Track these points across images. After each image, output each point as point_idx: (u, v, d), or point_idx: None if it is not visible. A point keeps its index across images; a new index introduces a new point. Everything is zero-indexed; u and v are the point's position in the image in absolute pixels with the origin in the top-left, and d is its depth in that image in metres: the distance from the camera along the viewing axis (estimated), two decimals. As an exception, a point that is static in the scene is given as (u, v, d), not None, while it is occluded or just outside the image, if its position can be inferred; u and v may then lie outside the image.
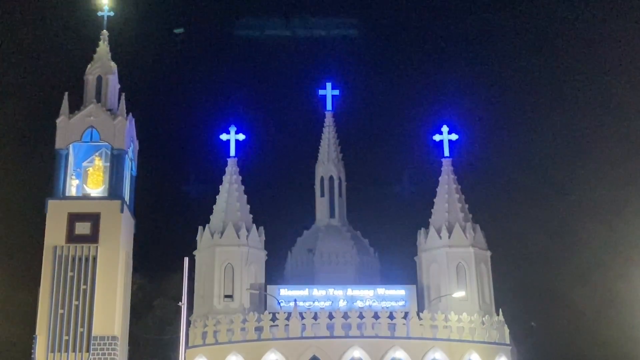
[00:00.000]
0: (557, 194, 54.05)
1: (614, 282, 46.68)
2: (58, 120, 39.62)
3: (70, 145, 39.86)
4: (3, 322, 39.52)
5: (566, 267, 48.68)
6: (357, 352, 36.41)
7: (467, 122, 48.46)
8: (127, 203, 39.00)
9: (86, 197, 38.35)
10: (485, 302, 40.86)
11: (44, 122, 42.83)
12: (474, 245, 41.27)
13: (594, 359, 47.36)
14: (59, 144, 39.29)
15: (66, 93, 40.41)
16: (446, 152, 43.89)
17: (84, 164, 41.07)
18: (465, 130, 45.15)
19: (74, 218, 36.87)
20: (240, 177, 43.31)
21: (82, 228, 36.80)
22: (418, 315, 37.48)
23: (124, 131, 39.98)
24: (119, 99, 41.45)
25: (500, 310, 39.62)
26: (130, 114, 41.43)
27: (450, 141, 44.07)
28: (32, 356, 33.81)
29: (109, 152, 40.09)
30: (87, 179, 40.33)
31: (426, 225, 42.86)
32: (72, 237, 36.47)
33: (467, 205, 42.93)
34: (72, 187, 38.97)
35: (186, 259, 22.13)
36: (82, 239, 36.40)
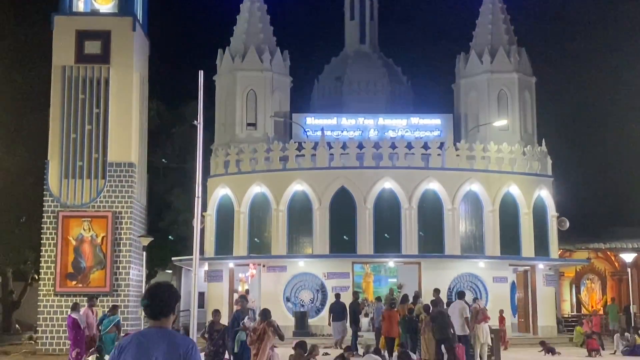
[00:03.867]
0: (609, 14, 48.99)
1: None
2: None
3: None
4: (13, 147, 37.28)
5: (619, 95, 44.91)
6: (388, 184, 34.26)
7: None
8: (140, 21, 35.51)
9: (95, 13, 34.75)
10: (527, 132, 38.27)
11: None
12: (518, 70, 38.01)
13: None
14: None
15: None
16: (491, -33, 39.69)
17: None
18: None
19: (82, 36, 33.36)
20: (263, -5, 39.69)
21: (92, 47, 33.27)
22: (455, 145, 34.92)
23: None
24: None
25: (543, 140, 36.86)
26: None
27: (496, -46, 39.66)
28: (45, 183, 31.80)
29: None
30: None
31: (466, 50, 39.44)
32: (81, 57, 32.99)
33: (512, 27, 39.20)
34: (80, 1, 35.29)
35: (201, 73, 19.20)
36: (93, 58, 32.96)
